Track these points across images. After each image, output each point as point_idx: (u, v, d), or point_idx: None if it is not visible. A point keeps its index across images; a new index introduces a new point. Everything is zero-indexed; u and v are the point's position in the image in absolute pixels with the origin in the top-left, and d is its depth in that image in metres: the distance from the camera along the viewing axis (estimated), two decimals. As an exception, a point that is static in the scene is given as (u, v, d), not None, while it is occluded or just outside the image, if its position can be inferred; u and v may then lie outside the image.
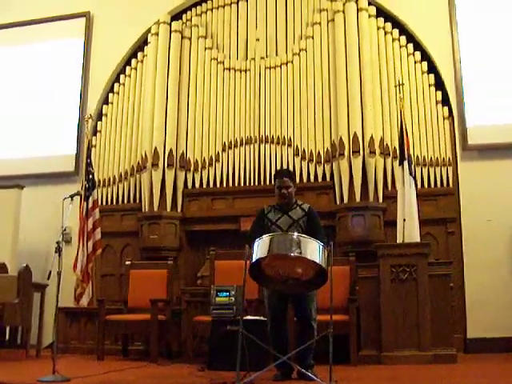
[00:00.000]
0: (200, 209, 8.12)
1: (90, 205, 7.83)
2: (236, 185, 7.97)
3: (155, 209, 8.04)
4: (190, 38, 8.61)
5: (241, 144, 8.02)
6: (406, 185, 6.75)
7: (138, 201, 8.29)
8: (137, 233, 8.17)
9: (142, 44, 8.93)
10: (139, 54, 8.85)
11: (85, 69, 9.01)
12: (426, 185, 7.53)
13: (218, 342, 5.53)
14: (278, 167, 7.76)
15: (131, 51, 8.98)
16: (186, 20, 8.79)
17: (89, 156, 8.13)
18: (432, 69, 7.91)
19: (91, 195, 7.87)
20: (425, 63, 7.90)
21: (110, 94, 8.91)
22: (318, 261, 4.33)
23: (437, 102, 7.78)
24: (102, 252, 7.95)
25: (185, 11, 8.87)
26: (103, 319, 6.57)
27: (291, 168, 7.71)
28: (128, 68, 8.89)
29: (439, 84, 7.85)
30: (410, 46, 7.97)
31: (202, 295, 6.78)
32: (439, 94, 7.80)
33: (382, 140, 7.58)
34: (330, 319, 4.39)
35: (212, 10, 8.72)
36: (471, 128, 7.59)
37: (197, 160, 8.14)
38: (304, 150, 7.79)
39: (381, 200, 7.49)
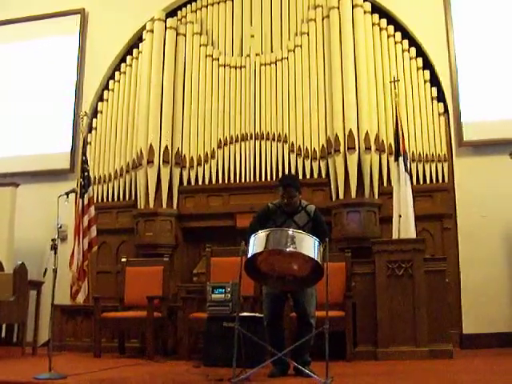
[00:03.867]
0: (196, 206, 8.12)
1: (86, 202, 7.83)
2: (232, 181, 7.97)
3: (151, 206, 8.04)
4: (184, 35, 8.59)
5: (236, 141, 8.02)
6: (401, 181, 6.77)
7: (133, 198, 8.28)
8: (132, 230, 8.16)
9: (136, 41, 8.92)
10: (134, 51, 8.83)
11: (80, 66, 9.00)
12: (421, 181, 7.53)
13: (213, 338, 5.53)
14: (274, 164, 7.77)
15: (126, 48, 8.97)
16: (181, 17, 8.78)
17: (84, 153, 8.12)
18: (427, 65, 7.91)
19: (87, 192, 7.86)
20: (420, 59, 7.90)
21: (105, 91, 8.89)
22: (313, 256, 4.33)
23: (432, 98, 7.79)
24: (97, 249, 7.94)
25: (179, 8, 8.86)
26: (99, 316, 6.55)
27: (286, 164, 7.73)
28: (123, 65, 8.87)
29: (434, 80, 7.86)
30: (405, 42, 7.97)
31: (197, 292, 6.78)
32: (434, 90, 7.80)
33: (377, 136, 7.59)
34: (326, 315, 4.40)
35: (207, 6, 8.71)
36: (466, 124, 7.59)
37: (192, 157, 8.14)
38: (299, 147, 7.79)
39: (376, 196, 7.50)
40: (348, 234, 7.37)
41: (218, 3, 8.66)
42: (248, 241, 4.54)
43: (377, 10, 8.12)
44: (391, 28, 8.02)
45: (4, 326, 7.24)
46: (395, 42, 7.99)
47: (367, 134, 7.52)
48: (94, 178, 8.42)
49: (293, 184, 4.92)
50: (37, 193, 8.54)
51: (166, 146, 8.14)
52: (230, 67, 8.33)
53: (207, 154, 8.10)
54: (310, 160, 7.75)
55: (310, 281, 4.58)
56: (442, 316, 5.86)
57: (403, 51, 7.95)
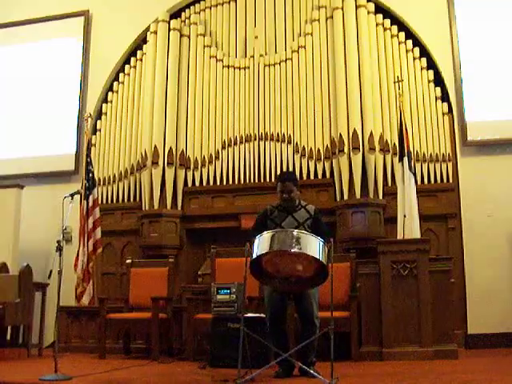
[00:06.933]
0: (200, 207, 8.13)
1: (91, 204, 7.83)
2: (236, 182, 7.98)
3: (155, 207, 8.05)
4: (188, 36, 8.60)
5: (240, 142, 8.02)
6: (405, 181, 6.75)
7: (138, 199, 8.30)
8: (137, 231, 8.17)
9: (141, 42, 8.95)
10: (138, 53, 8.85)
11: (84, 68, 9.03)
12: (426, 181, 7.53)
13: (219, 339, 5.52)
14: (278, 164, 7.77)
15: (130, 50, 8.99)
16: (185, 18, 8.79)
17: (89, 155, 8.14)
18: (431, 65, 7.91)
19: (91, 194, 7.87)
20: (424, 59, 7.90)
21: (110, 93, 8.91)
22: (318, 257, 4.32)
23: (436, 98, 7.79)
24: (102, 251, 7.96)
25: (183, 9, 8.88)
26: (104, 318, 6.57)
27: (291, 165, 7.73)
28: (127, 66, 8.89)
29: (438, 80, 7.85)
30: (409, 42, 7.97)
31: (202, 293, 6.78)
32: (438, 89, 7.80)
33: (381, 136, 7.58)
34: (330, 316, 4.39)
35: (211, 7, 8.72)
36: (471, 124, 7.59)
37: (196, 158, 8.15)
38: (304, 147, 7.79)
39: (381, 196, 7.50)
40: (353, 235, 7.36)
41: (222, 4, 8.67)
42: (252, 244, 4.56)
43: (380, 10, 8.12)
44: (395, 28, 8.03)
45: (10, 328, 7.25)
46: (399, 42, 7.99)
47: (371, 134, 7.52)
48: (99, 179, 8.44)
49: (291, 179, 4.97)
50: (41, 194, 8.56)
51: (171, 147, 8.15)
52: (234, 68, 8.34)
53: (211, 155, 8.11)
54: (314, 160, 7.75)
55: (315, 281, 4.58)
56: (446, 316, 5.84)
57: (407, 51, 7.95)
